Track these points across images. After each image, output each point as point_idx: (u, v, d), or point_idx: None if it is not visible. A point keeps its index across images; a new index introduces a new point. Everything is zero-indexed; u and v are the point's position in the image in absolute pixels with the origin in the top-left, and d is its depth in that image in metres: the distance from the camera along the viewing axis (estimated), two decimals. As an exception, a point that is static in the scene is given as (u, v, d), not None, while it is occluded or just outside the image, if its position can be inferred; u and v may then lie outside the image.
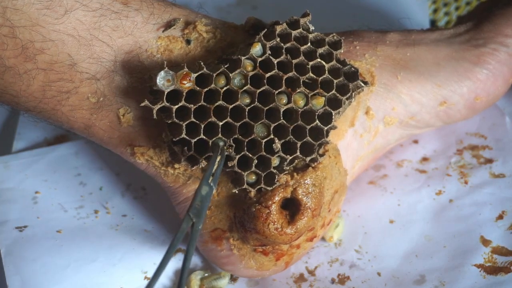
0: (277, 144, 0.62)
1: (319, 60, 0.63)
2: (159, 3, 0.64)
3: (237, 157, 0.62)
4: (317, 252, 0.72)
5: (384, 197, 0.75)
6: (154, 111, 0.61)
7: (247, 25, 0.66)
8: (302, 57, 0.63)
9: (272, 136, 0.62)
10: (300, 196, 0.64)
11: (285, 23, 0.63)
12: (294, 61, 0.63)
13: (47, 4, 0.59)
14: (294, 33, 0.63)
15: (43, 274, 0.69)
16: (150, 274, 0.71)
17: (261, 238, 0.64)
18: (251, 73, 0.62)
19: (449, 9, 0.92)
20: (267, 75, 0.62)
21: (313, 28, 0.64)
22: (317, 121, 0.63)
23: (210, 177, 0.58)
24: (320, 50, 0.64)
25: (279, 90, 0.62)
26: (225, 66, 0.62)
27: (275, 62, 0.63)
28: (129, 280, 0.70)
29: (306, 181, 0.64)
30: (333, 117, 0.63)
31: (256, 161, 0.62)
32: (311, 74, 0.63)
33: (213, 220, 0.66)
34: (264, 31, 0.63)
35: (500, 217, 0.72)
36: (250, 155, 0.62)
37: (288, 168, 0.63)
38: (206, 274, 0.71)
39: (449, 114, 0.72)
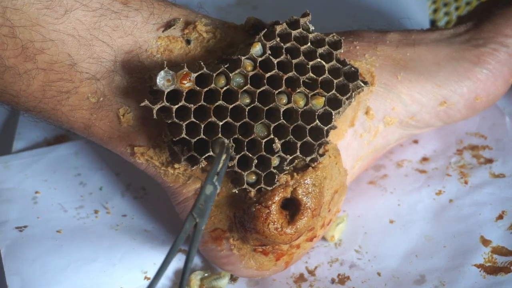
0: (277, 144, 0.62)
1: (319, 60, 0.63)
2: (159, 3, 0.64)
3: (237, 157, 0.62)
4: (317, 252, 0.72)
5: (384, 197, 0.75)
6: (154, 111, 0.61)
7: (247, 25, 0.66)
8: (302, 57, 0.63)
9: (272, 136, 0.62)
10: (300, 196, 0.64)
11: (285, 23, 0.63)
12: (294, 61, 0.63)
13: (47, 4, 0.59)
14: (294, 33, 0.63)
15: (43, 274, 0.69)
16: (150, 274, 0.71)
17: (261, 238, 0.64)
18: (251, 73, 0.62)
19: (449, 9, 0.92)
20: (267, 75, 0.62)
21: (313, 28, 0.64)
22: (317, 121, 0.63)
23: (215, 176, 0.57)
24: (320, 50, 0.64)
25: (279, 90, 0.62)
26: (225, 66, 0.62)
27: (275, 62, 0.63)
28: (129, 280, 0.70)
29: (306, 181, 0.64)
30: (333, 117, 0.63)
31: (256, 161, 0.62)
32: (311, 74, 0.63)
33: (213, 220, 0.66)
34: (264, 31, 0.63)
35: (500, 217, 0.72)
36: (250, 155, 0.62)
37: (288, 168, 0.63)
38: (206, 274, 0.71)
39: (449, 114, 0.72)
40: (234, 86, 0.62)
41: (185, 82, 0.61)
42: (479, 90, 0.71)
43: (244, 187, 0.63)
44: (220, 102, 0.61)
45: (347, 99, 0.64)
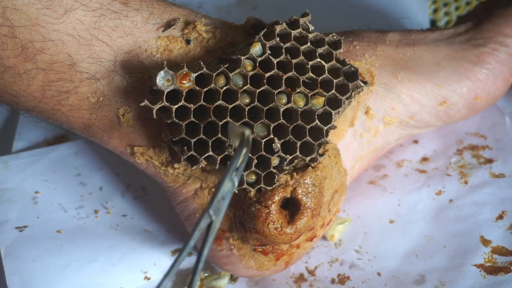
0: (277, 144, 0.62)
1: (318, 60, 0.63)
2: (158, 3, 0.65)
3: (237, 157, 0.62)
4: (317, 252, 0.72)
5: (384, 197, 0.75)
6: (154, 111, 0.61)
7: (247, 25, 0.66)
8: (301, 57, 0.63)
9: (271, 136, 0.62)
10: (300, 196, 0.64)
11: (284, 23, 0.63)
12: (293, 61, 0.63)
13: (46, 4, 0.59)
14: (294, 33, 0.63)
15: (43, 274, 0.69)
16: (150, 274, 0.71)
17: (261, 238, 0.64)
18: (250, 73, 0.62)
19: (449, 9, 0.92)
20: (267, 75, 0.62)
21: (313, 28, 0.64)
22: (316, 120, 0.63)
23: (234, 172, 0.51)
24: (320, 50, 0.64)
25: (279, 90, 0.62)
26: (225, 66, 0.62)
27: (275, 62, 0.63)
28: (129, 280, 0.70)
29: (306, 181, 0.64)
30: (332, 116, 0.63)
31: (256, 161, 0.62)
32: (310, 74, 0.63)
33: (213, 220, 0.66)
34: (264, 31, 0.63)
35: (500, 217, 0.72)
36: (250, 155, 0.62)
37: (287, 168, 0.63)
38: (206, 274, 0.71)
39: (449, 114, 0.72)
40: (233, 86, 0.62)
41: (184, 82, 0.61)
42: (479, 90, 0.71)
43: (244, 187, 0.63)
44: (220, 102, 0.61)
45: (346, 99, 0.64)
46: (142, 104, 0.61)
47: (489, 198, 0.73)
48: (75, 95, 0.63)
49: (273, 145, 0.62)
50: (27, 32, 0.59)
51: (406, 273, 0.70)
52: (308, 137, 0.63)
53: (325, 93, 0.63)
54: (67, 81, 0.62)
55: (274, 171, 0.63)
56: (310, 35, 0.64)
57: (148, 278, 0.71)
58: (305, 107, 0.63)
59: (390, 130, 0.71)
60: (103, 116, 0.64)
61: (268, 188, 0.63)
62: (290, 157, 0.63)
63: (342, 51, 0.64)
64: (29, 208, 0.75)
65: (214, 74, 0.61)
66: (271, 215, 0.63)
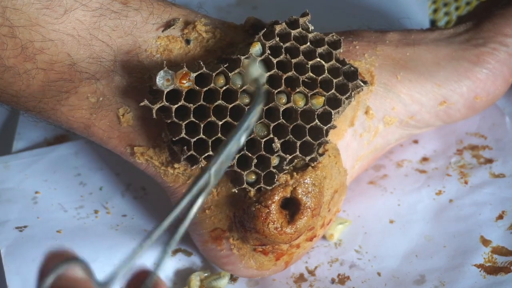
0: (277, 144, 0.62)
1: (318, 59, 0.63)
2: (158, 3, 0.65)
3: (237, 156, 0.62)
4: (317, 252, 0.72)
5: (384, 197, 0.75)
6: (154, 111, 0.61)
7: (247, 24, 0.66)
8: (301, 57, 0.63)
9: (271, 136, 0.62)
10: (299, 196, 0.64)
11: (284, 23, 0.64)
12: (293, 61, 0.63)
13: (46, 4, 0.59)
14: (294, 32, 0.63)
15: (43, 274, 0.69)
16: (150, 274, 0.71)
17: (261, 237, 0.64)
18: (250, 73, 0.62)
19: (449, 9, 0.92)
20: (267, 74, 0.62)
21: (313, 27, 0.64)
22: (316, 120, 0.63)
23: (243, 134, 0.46)
24: (320, 50, 0.64)
25: (279, 89, 0.62)
26: (225, 66, 0.62)
27: (275, 61, 0.63)
28: (129, 280, 0.70)
29: (306, 181, 0.64)
30: (332, 116, 0.63)
31: (256, 161, 0.62)
32: (310, 74, 0.63)
33: (213, 219, 0.66)
34: (264, 30, 0.63)
35: (500, 217, 0.72)
36: (250, 155, 0.62)
37: (287, 167, 0.63)
38: (206, 274, 0.71)
39: (449, 113, 0.72)
40: (233, 85, 0.62)
41: (184, 81, 0.61)
42: (479, 89, 0.71)
43: (243, 186, 0.63)
44: (220, 101, 0.61)
45: (346, 98, 0.64)
46: (141, 104, 0.61)
47: (489, 198, 0.73)
48: (75, 95, 0.63)
49: (273, 144, 0.62)
50: (27, 32, 0.59)
51: (406, 273, 0.70)
52: (308, 137, 0.63)
53: (325, 93, 0.63)
54: (67, 81, 0.62)
55: (274, 170, 0.63)
56: (310, 35, 0.64)
57: (148, 278, 0.71)
58: (305, 107, 0.63)
59: (390, 130, 0.71)
60: (103, 116, 0.64)
61: (268, 187, 0.63)
62: (290, 157, 0.63)
63: (341, 51, 0.64)
64: (29, 208, 0.75)
65: (213, 74, 0.61)
66: (271, 215, 0.63)
